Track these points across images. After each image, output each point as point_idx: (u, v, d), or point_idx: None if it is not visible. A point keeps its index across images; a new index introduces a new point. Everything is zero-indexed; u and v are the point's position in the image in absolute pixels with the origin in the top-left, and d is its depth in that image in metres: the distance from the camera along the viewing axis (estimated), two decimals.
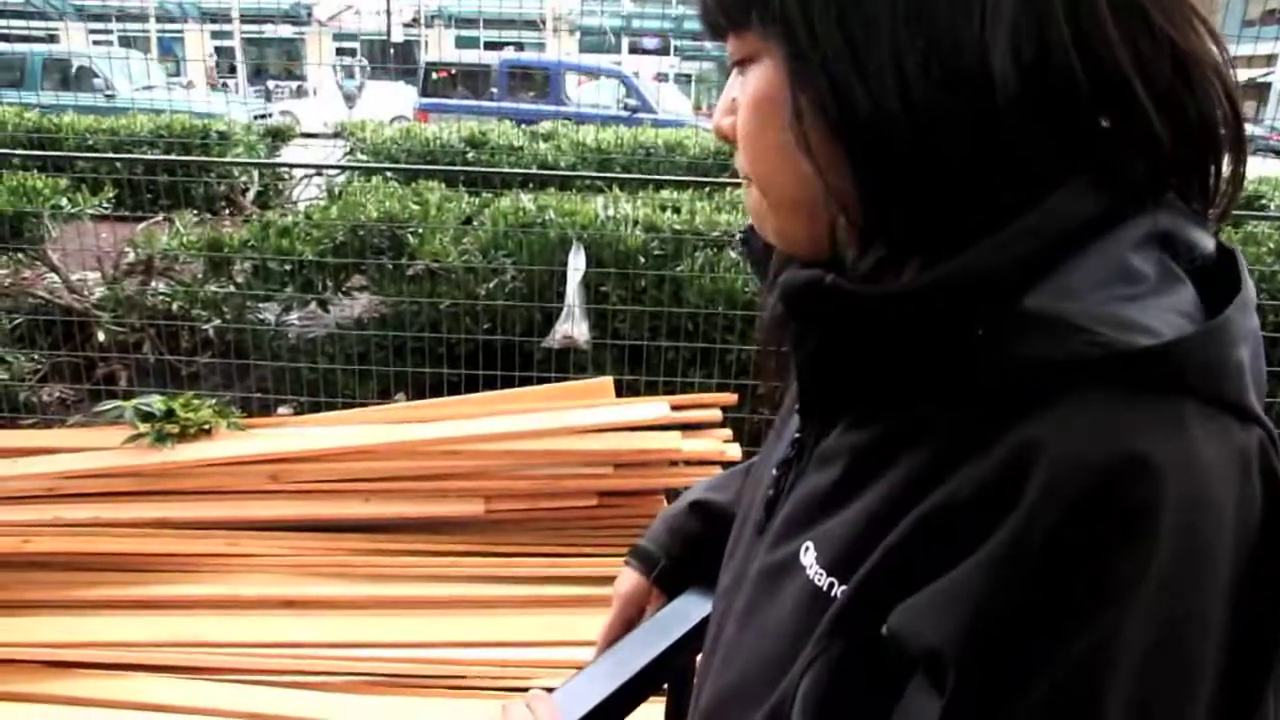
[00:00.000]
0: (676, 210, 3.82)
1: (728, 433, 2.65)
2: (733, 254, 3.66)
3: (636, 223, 3.64)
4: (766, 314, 0.64)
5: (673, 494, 2.67)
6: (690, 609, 0.83)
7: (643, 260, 3.53)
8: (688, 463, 2.57)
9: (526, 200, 3.79)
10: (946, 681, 0.41)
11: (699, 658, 0.72)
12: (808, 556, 0.53)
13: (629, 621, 0.87)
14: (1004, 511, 0.40)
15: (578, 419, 2.43)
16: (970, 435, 0.44)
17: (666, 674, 0.82)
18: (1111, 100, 0.44)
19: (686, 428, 2.58)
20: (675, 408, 2.58)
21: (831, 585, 0.50)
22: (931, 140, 0.44)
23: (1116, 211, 0.45)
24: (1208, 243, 0.47)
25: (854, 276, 0.49)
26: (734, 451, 2.59)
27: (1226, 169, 0.47)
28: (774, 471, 0.61)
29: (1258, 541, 0.40)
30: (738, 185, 4.61)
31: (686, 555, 0.87)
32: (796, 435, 0.60)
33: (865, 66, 0.45)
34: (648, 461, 2.47)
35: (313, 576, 2.23)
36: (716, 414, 2.63)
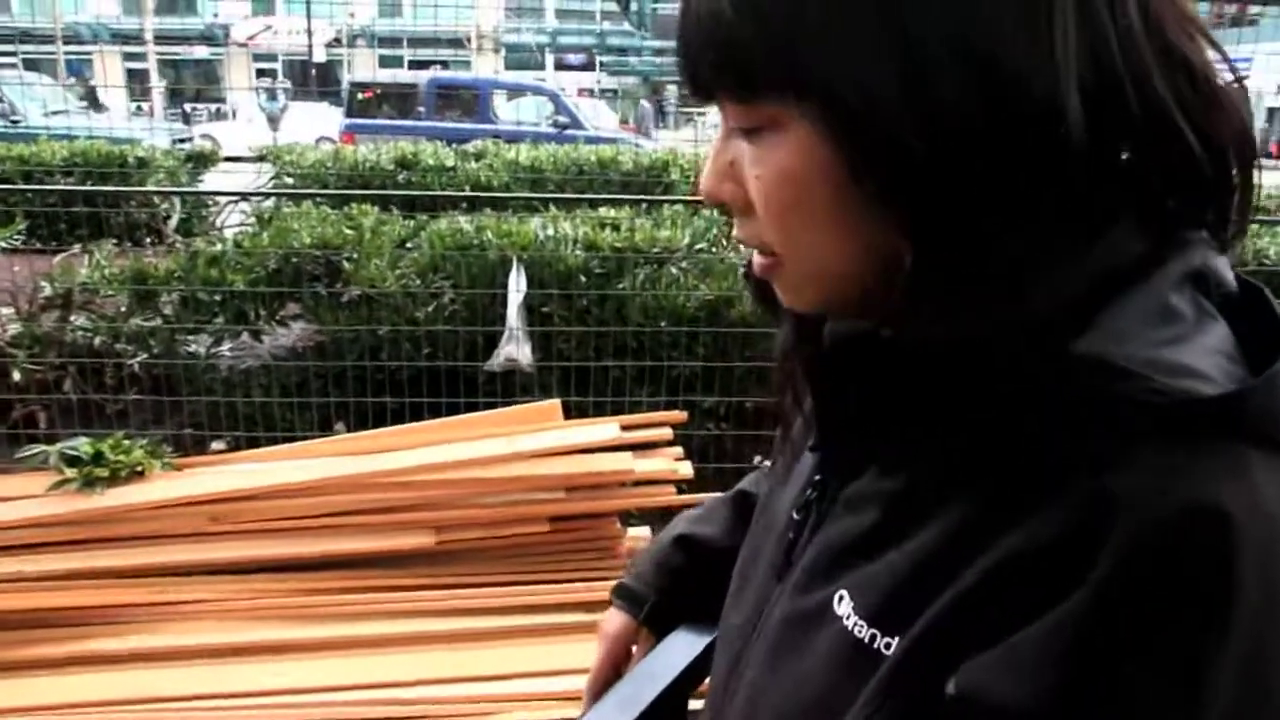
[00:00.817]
0: (616, 228, 3.81)
1: (678, 451, 2.64)
2: (673, 270, 3.67)
3: (576, 242, 3.62)
4: (783, 349, 0.62)
5: (626, 516, 2.65)
6: (684, 648, 0.81)
7: (584, 279, 3.51)
8: (640, 483, 2.54)
9: (464, 222, 3.74)
10: None
11: (706, 698, 0.70)
12: (842, 606, 0.51)
13: (618, 663, 0.85)
14: (1083, 566, 0.39)
15: (528, 444, 2.39)
16: (1030, 483, 0.42)
17: (667, 716, 0.79)
18: (1155, 134, 0.43)
19: (637, 448, 2.56)
20: (625, 428, 2.56)
21: (874, 637, 0.48)
22: (1001, 185, 0.42)
23: (1158, 250, 0.44)
24: (1229, 274, 0.47)
25: (910, 329, 0.47)
26: (686, 470, 2.57)
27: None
28: (794, 515, 0.59)
29: None
30: (675, 203, 4.64)
31: (675, 592, 0.84)
32: (817, 477, 0.58)
33: (929, 117, 0.42)
34: (600, 484, 2.45)
35: (262, 621, 2.14)
36: (667, 432, 2.61)
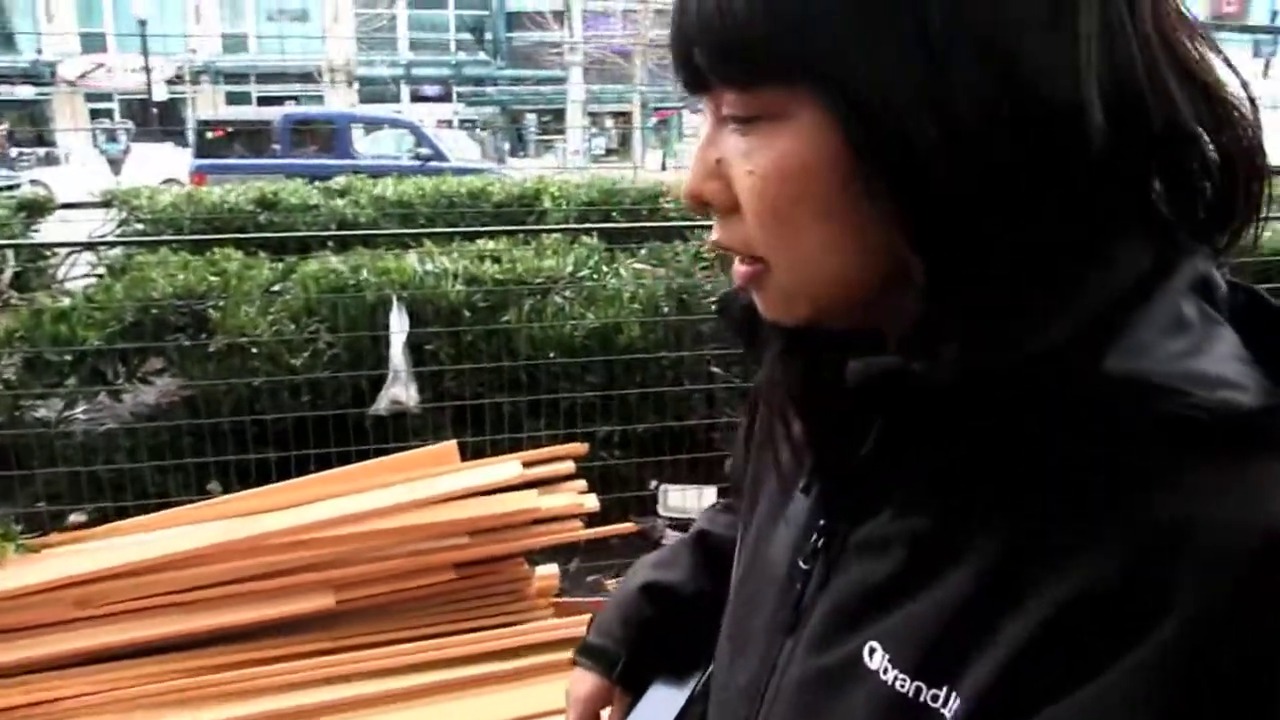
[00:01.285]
0: (497, 260, 3.74)
1: (582, 484, 2.59)
2: (559, 300, 3.62)
3: (457, 276, 3.53)
4: (768, 381, 0.58)
5: (533, 556, 2.57)
6: (665, 707, 0.76)
7: (468, 314, 3.42)
8: (547, 520, 2.48)
9: (336, 261, 3.59)
10: None
11: None
12: (875, 659, 0.47)
13: None
14: (1159, 602, 0.37)
15: (427, 489, 2.29)
16: (1074, 515, 0.40)
17: None
18: (1173, 145, 0.42)
19: (540, 484, 2.49)
20: (527, 464, 2.49)
21: (919, 690, 0.45)
22: (1019, 190, 0.40)
23: (1165, 260, 0.43)
24: (1221, 280, 0.46)
25: (941, 360, 0.43)
26: (591, 503, 2.52)
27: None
28: (801, 564, 0.55)
29: None
30: (555, 231, 4.60)
31: (647, 646, 0.79)
32: (822, 522, 0.54)
33: (947, 109, 0.40)
34: (506, 525, 2.37)
35: (149, 711, 1.96)
36: (569, 466, 2.56)
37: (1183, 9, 0.43)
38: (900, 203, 0.42)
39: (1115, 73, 0.40)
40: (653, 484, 3.92)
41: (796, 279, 0.48)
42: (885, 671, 0.46)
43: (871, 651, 0.48)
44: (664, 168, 21.90)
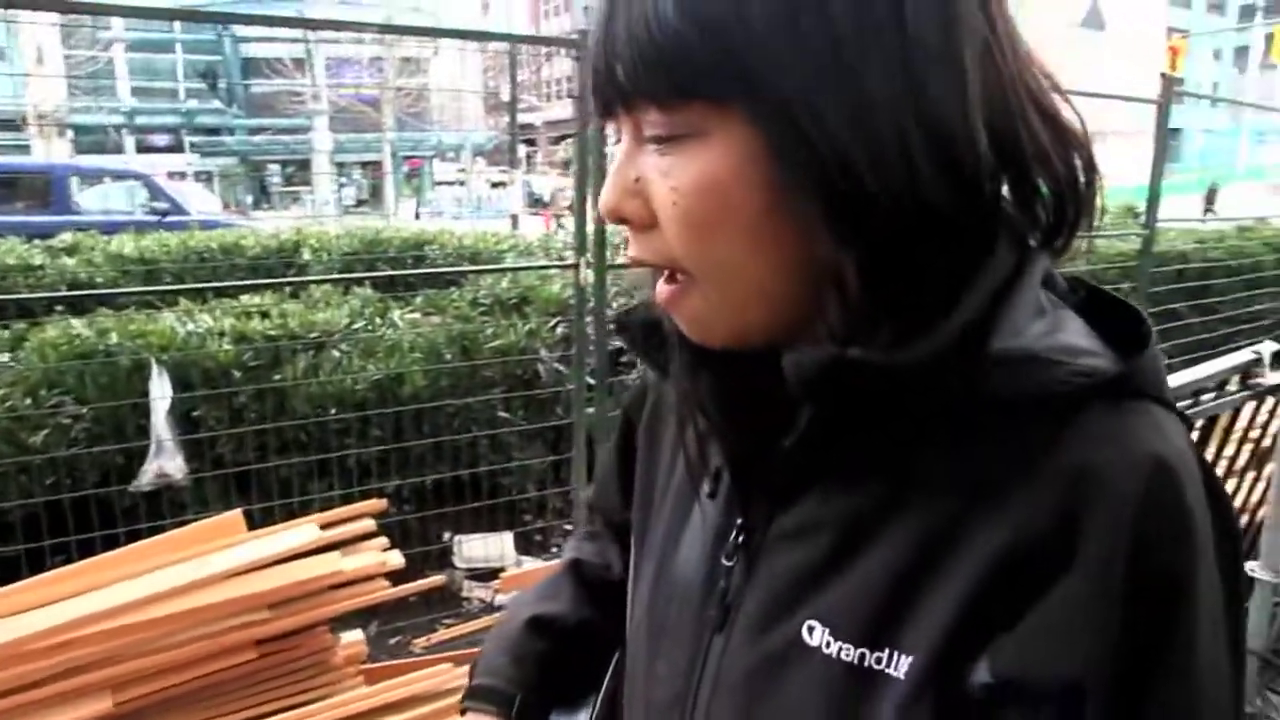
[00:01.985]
0: (265, 315, 3.53)
1: (384, 541, 2.48)
2: (335, 353, 3.47)
3: (223, 334, 3.30)
4: (678, 396, 0.61)
5: (337, 624, 2.43)
6: None
7: (237, 374, 3.20)
8: (349, 583, 2.36)
9: (79, 326, 3.24)
10: (1085, 704, 0.44)
11: None
12: (815, 637, 0.51)
13: None
14: (1084, 532, 0.45)
15: (220, 564, 2.12)
16: (1002, 469, 0.47)
17: None
18: (1036, 166, 0.50)
19: (340, 545, 2.37)
20: (324, 526, 2.36)
21: (863, 656, 0.49)
22: (933, 208, 0.46)
23: (1026, 259, 0.51)
24: (1059, 277, 0.55)
25: (872, 349, 0.48)
26: (396, 559, 2.43)
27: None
28: (724, 561, 0.58)
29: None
30: (324, 282, 4.39)
31: (543, 680, 0.79)
32: (740, 520, 0.57)
33: (876, 135, 0.45)
34: (308, 593, 2.23)
35: None
36: (369, 524, 2.45)
37: (1033, 53, 0.51)
38: (831, 213, 0.46)
39: (992, 104, 0.47)
40: (446, 536, 3.83)
41: (726, 289, 0.51)
42: (827, 645, 0.51)
43: (810, 630, 0.52)
44: (417, 216, 21.54)
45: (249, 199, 25.78)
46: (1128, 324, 0.51)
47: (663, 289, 0.54)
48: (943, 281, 0.48)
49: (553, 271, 4.11)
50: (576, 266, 2.97)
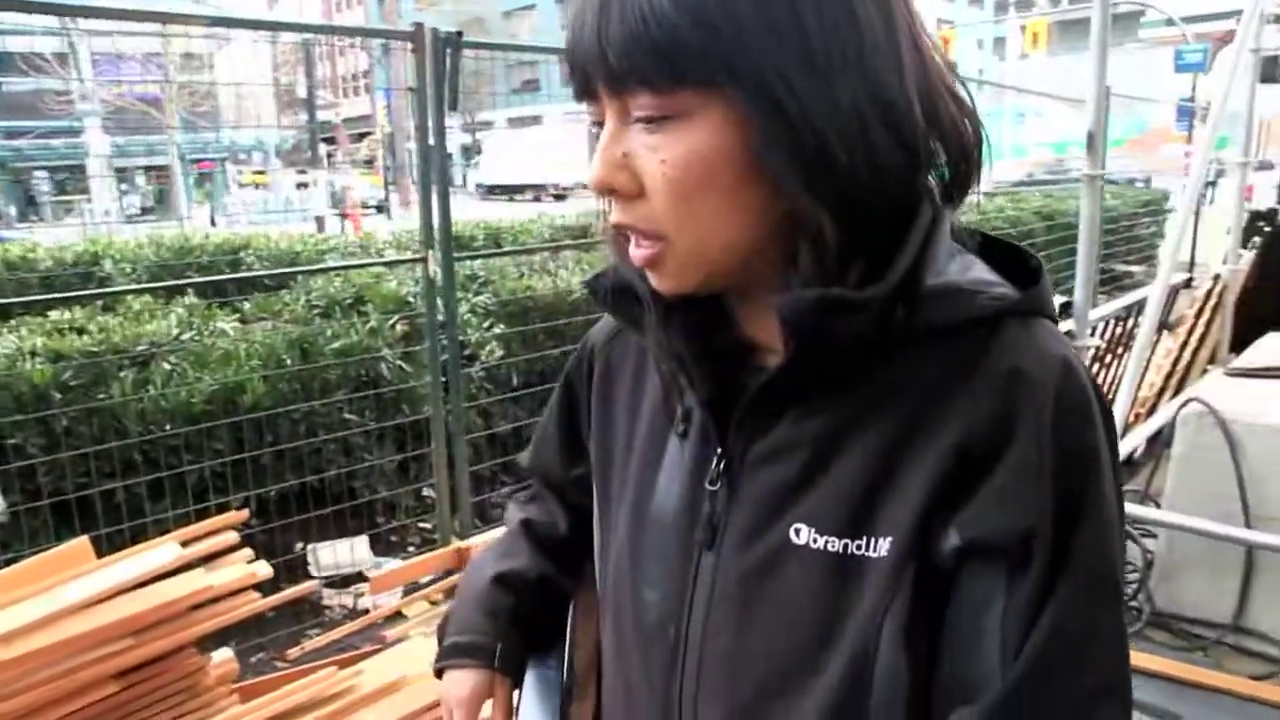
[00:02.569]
0: (80, 331, 3.28)
1: (248, 553, 2.39)
2: (166, 365, 3.27)
3: (34, 354, 3.04)
4: (654, 349, 0.68)
5: (205, 644, 2.32)
6: (545, 684, 0.81)
7: (58, 396, 2.97)
8: (214, 600, 2.26)
9: None
10: (1033, 549, 0.55)
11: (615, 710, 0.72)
12: (801, 536, 0.61)
13: None
14: (1017, 420, 0.56)
15: (74, 594, 1.98)
16: (943, 380, 0.58)
17: None
18: (949, 136, 0.60)
19: (203, 562, 2.27)
20: (185, 543, 2.25)
21: (846, 545, 0.59)
22: (886, 165, 0.56)
23: (937, 212, 0.61)
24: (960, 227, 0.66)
25: (850, 287, 0.58)
26: (265, 570, 2.35)
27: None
28: (709, 487, 0.66)
29: None
30: (147, 292, 4.09)
31: (516, 631, 0.85)
32: (719, 450, 0.65)
33: (840, 112, 0.55)
34: (173, 615, 2.12)
35: None
36: (233, 536, 2.36)
37: (935, 39, 0.61)
38: (807, 178, 0.55)
39: (920, 83, 0.58)
40: (299, 546, 3.69)
41: (695, 250, 0.60)
42: (814, 541, 0.60)
43: (797, 531, 0.61)
44: (213, 223, 20.23)
45: (12, 210, 23.33)
46: (1016, 262, 0.64)
47: (639, 251, 0.62)
48: (890, 230, 0.59)
49: (384, 268, 4.02)
50: (425, 260, 2.94)
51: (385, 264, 4.04)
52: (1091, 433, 0.58)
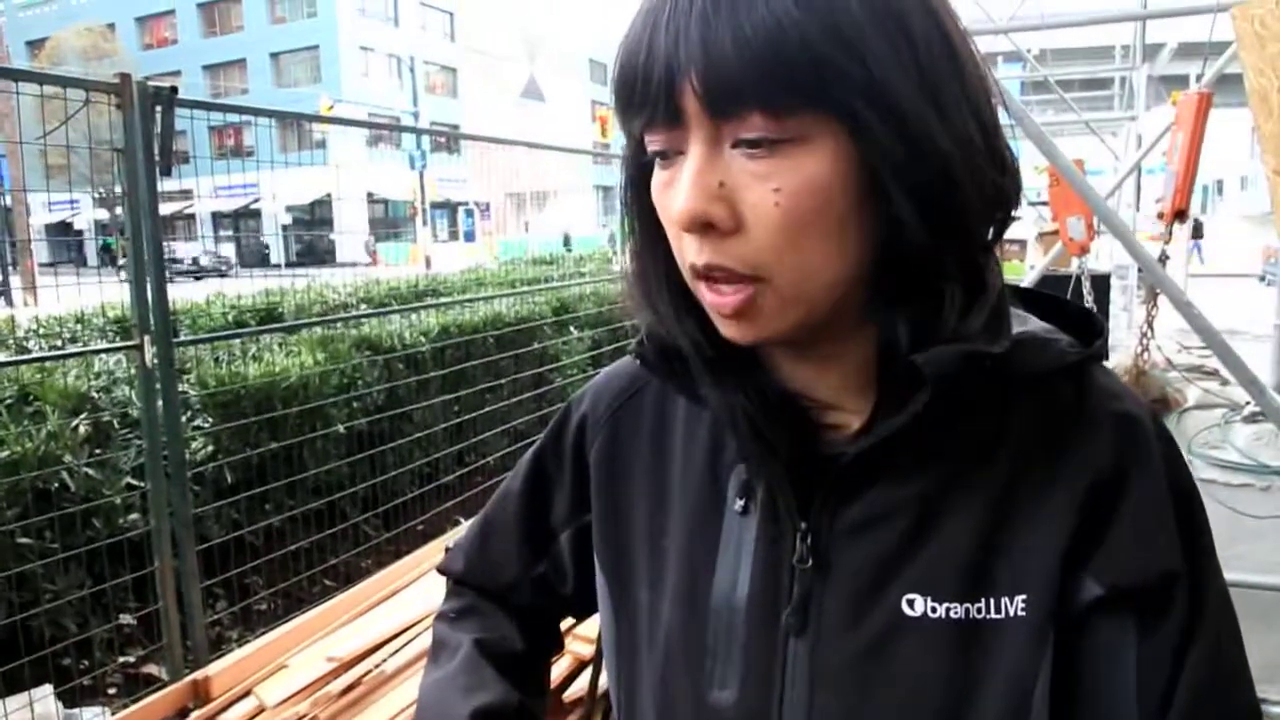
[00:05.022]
0: None
1: None
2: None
3: None
4: (742, 412, 0.60)
5: None
6: None
7: None
8: None
9: None
10: (1173, 590, 0.55)
11: None
12: (917, 607, 0.57)
13: None
14: (1133, 465, 0.57)
15: None
16: (1048, 428, 0.58)
17: None
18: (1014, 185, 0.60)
19: None
20: None
21: (968, 611, 0.56)
22: (991, 201, 0.56)
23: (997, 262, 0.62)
24: None
25: (981, 341, 0.55)
26: None
27: None
28: (797, 565, 0.60)
29: None
30: None
31: None
32: (803, 524, 0.60)
33: (957, 138, 0.53)
34: None
35: None
36: None
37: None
38: (924, 209, 0.53)
39: (998, 137, 0.57)
40: None
41: (800, 287, 0.54)
42: (933, 611, 0.57)
43: (910, 602, 0.57)
44: None
45: None
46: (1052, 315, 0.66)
47: (727, 298, 0.55)
48: (986, 277, 0.58)
49: (70, 361, 3.40)
50: (140, 346, 2.51)
51: (94, 352, 3.41)
52: (1188, 470, 0.60)
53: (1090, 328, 0.62)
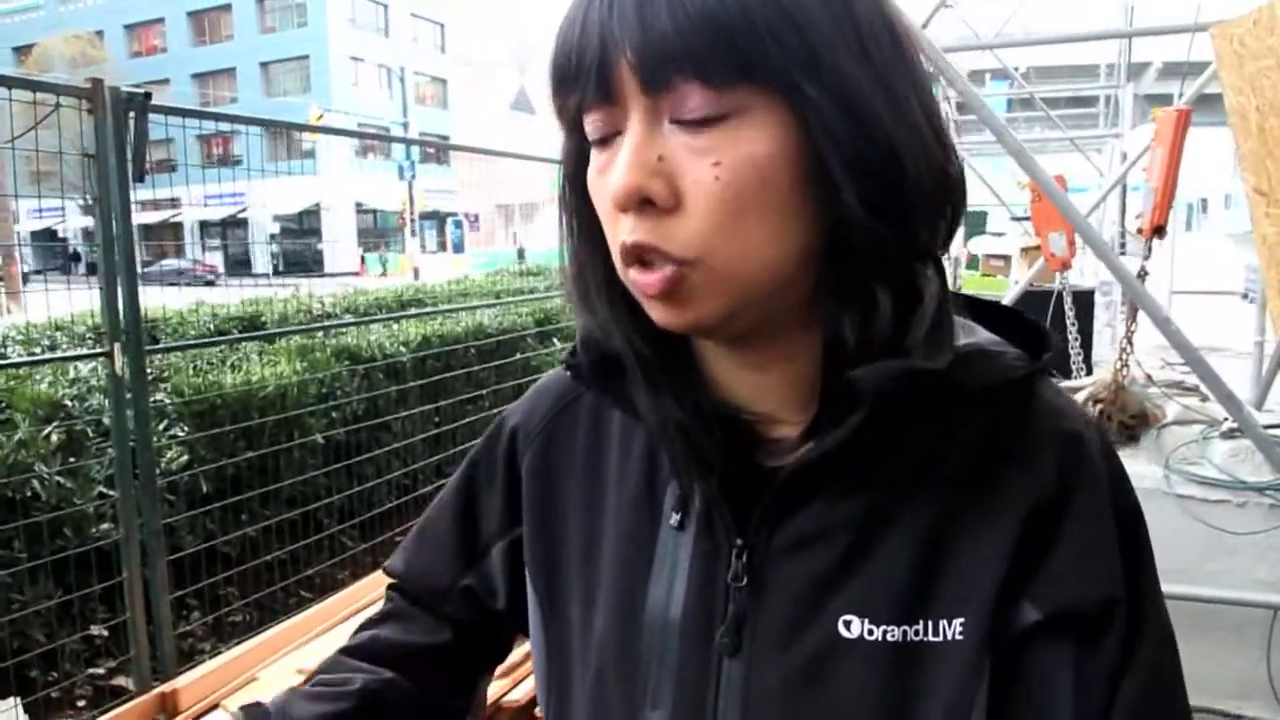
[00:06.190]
0: None
1: None
2: None
3: None
4: (670, 423, 0.58)
5: None
6: None
7: None
8: None
9: None
10: (1112, 614, 0.53)
11: None
12: (854, 629, 0.54)
13: None
14: (1076, 483, 0.55)
15: None
16: (992, 445, 0.56)
17: None
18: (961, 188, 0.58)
19: None
20: None
21: (905, 633, 0.54)
22: (934, 196, 0.53)
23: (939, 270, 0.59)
24: None
25: (919, 357, 0.53)
26: None
27: None
28: (731, 583, 0.58)
29: None
30: None
31: None
32: (739, 541, 0.58)
33: (905, 122, 0.51)
34: None
35: None
36: None
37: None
38: (867, 190, 0.51)
39: (947, 138, 0.56)
40: None
41: (734, 266, 0.52)
42: (870, 633, 0.54)
43: (848, 623, 0.55)
44: None
45: None
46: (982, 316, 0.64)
47: (654, 275, 0.52)
48: (922, 284, 0.56)
49: (44, 368, 3.37)
50: (110, 354, 2.48)
51: (64, 359, 3.37)
52: (1132, 489, 0.58)
53: (1039, 340, 0.60)
